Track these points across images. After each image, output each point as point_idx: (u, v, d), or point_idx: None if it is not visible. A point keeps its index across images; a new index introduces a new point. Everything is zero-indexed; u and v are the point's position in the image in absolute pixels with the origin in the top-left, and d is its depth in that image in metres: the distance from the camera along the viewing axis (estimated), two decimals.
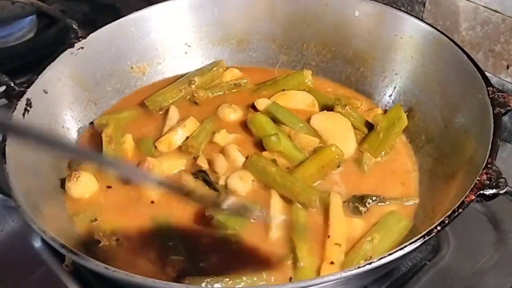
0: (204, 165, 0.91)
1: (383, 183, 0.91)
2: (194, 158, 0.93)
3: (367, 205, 0.86)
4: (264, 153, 0.93)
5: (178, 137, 0.96)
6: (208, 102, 1.05)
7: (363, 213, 0.85)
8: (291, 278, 0.77)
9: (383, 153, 0.95)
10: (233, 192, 0.87)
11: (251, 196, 0.88)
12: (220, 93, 1.07)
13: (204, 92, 1.05)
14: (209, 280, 0.75)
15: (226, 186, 0.89)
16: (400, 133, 0.97)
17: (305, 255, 0.78)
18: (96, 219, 0.85)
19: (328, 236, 0.81)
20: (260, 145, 0.95)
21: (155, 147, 0.95)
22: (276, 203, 0.86)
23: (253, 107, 1.03)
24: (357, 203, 0.86)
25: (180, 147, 0.95)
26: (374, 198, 0.87)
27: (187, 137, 0.96)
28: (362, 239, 0.81)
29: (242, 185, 0.88)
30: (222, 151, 0.94)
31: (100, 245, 0.81)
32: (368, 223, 0.85)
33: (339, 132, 0.97)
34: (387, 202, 0.87)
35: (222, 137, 0.96)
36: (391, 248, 0.79)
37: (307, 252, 0.79)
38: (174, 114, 1.01)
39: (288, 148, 0.93)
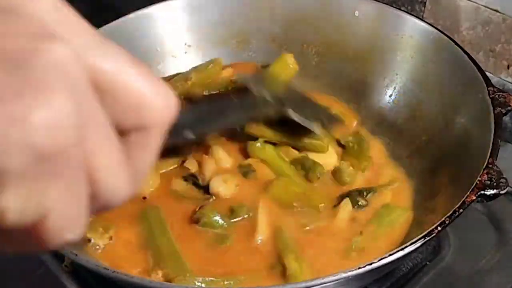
0: (193, 168, 0.90)
1: (381, 175, 0.92)
2: (182, 160, 0.92)
3: (366, 198, 0.86)
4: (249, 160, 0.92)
5: None
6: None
7: (364, 206, 0.86)
8: None
9: (365, 163, 0.93)
10: (216, 194, 0.86)
11: (236, 199, 0.86)
12: (216, 91, 1.06)
13: (200, 90, 1.04)
14: (200, 279, 0.75)
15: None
16: (369, 147, 0.96)
17: (292, 262, 0.77)
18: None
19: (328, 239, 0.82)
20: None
21: None
22: (264, 208, 0.84)
23: None
24: (356, 197, 0.86)
25: None
26: (369, 190, 0.87)
27: None
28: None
29: (224, 188, 0.86)
30: (209, 152, 0.92)
31: (92, 244, 0.80)
32: (367, 217, 0.85)
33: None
34: (383, 189, 0.88)
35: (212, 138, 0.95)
36: (386, 238, 0.81)
37: (294, 259, 0.77)
38: None
39: (272, 156, 0.91)
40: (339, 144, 0.97)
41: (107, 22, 1.06)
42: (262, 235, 0.81)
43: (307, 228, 0.83)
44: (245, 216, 0.83)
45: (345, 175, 0.90)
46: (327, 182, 0.91)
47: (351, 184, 0.90)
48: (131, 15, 1.08)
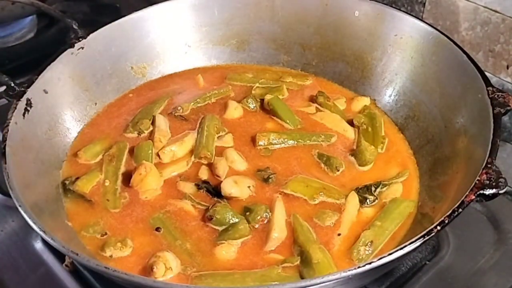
0: (205, 176, 0.91)
1: (384, 173, 0.92)
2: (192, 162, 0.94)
3: (375, 193, 0.87)
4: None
5: (181, 148, 0.95)
6: (193, 113, 1.04)
7: (373, 201, 0.86)
8: None
9: (381, 145, 0.96)
10: (228, 196, 0.86)
11: (251, 200, 0.87)
12: (203, 103, 1.06)
13: (188, 105, 1.04)
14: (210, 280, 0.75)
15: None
16: (381, 123, 0.99)
17: (318, 252, 0.78)
18: (106, 233, 0.83)
19: (339, 234, 0.82)
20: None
21: (158, 155, 0.94)
22: (281, 207, 0.85)
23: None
24: (364, 194, 0.87)
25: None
26: (377, 184, 0.88)
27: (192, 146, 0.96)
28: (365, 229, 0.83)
29: (236, 189, 0.87)
30: (222, 154, 0.94)
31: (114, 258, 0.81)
32: (376, 212, 0.86)
33: (336, 122, 1.00)
34: (391, 182, 0.89)
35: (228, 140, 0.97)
36: (394, 231, 0.82)
37: (319, 249, 0.78)
38: (161, 121, 1.00)
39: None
40: (352, 124, 1.00)
41: (107, 22, 1.06)
42: (278, 232, 0.82)
43: (317, 222, 0.84)
44: (264, 215, 0.84)
45: (367, 154, 0.93)
46: (349, 166, 0.93)
47: (372, 163, 0.92)
48: (132, 16, 1.08)
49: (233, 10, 1.13)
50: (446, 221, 0.69)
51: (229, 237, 0.81)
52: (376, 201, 0.87)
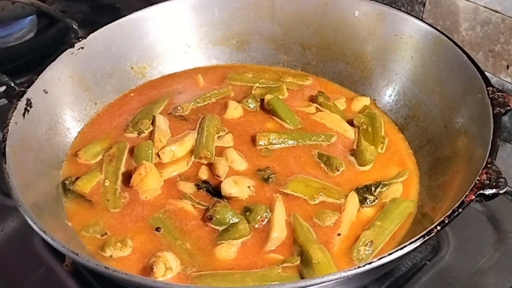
0: (205, 176, 0.91)
1: (384, 173, 0.92)
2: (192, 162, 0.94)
3: (375, 193, 0.87)
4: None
5: (181, 148, 0.95)
6: (193, 113, 1.04)
7: (373, 201, 0.86)
8: None
9: (381, 145, 0.96)
10: (228, 196, 0.87)
11: (251, 200, 0.87)
12: (202, 103, 1.06)
13: (188, 105, 1.04)
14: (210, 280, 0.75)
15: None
16: (381, 123, 0.99)
17: (318, 252, 0.78)
18: (106, 233, 0.84)
19: (339, 234, 0.82)
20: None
21: (158, 155, 0.94)
22: (281, 207, 0.85)
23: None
24: (364, 194, 0.87)
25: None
26: (377, 184, 0.88)
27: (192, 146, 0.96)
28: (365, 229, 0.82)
29: (236, 189, 0.87)
30: (222, 154, 0.94)
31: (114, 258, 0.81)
32: (376, 211, 0.86)
33: (336, 122, 1.01)
34: (391, 182, 0.89)
35: (228, 140, 0.97)
36: (394, 231, 0.82)
37: (319, 249, 0.78)
38: (161, 121, 1.00)
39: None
40: (352, 124, 1.00)
41: (107, 22, 1.06)
42: (278, 232, 0.82)
43: (317, 221, 0.84)
44: (264, 215, 0.84)
45: (367, 154, 0.93)
46: (349, 166, 0.93)
47: (372, 163, 0.92)
48: (132, 16, 1.08)
49: (233, 10, 1.13)
50: (446, 221, 0.69)
51: (229, 237, 0.81)
52: (376, 201, 0.87)
